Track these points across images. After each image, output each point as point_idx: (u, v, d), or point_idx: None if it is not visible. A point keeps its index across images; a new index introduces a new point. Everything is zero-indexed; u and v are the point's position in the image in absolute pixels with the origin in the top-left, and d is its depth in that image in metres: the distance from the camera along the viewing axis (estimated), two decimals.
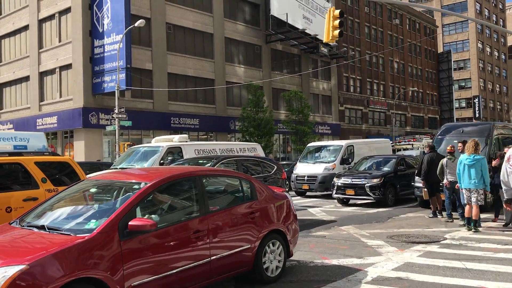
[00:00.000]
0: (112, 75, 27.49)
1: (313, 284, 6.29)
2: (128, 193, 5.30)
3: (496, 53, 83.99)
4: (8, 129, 31.97)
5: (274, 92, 41.09)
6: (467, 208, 10.20)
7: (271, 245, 6.44)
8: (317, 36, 42.74)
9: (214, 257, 5.59)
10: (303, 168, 19.48)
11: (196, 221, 5.52)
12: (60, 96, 30.41)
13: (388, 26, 58.53)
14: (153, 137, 31.36)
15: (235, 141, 34.02)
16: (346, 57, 49.49)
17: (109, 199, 5.50)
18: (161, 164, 13.96)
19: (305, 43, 43.09)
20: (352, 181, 15.60)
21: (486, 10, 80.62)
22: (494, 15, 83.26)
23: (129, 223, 4.78)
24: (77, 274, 4.28)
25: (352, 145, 20.24)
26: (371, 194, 15.21)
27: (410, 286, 6.02)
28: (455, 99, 72.85)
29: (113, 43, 27.68)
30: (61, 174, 8.15)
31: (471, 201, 10.06)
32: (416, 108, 63.91)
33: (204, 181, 5.92)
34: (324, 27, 13.38)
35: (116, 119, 24.86)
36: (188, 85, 33.74)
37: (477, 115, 73.67)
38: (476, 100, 74.86)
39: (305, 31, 41.13)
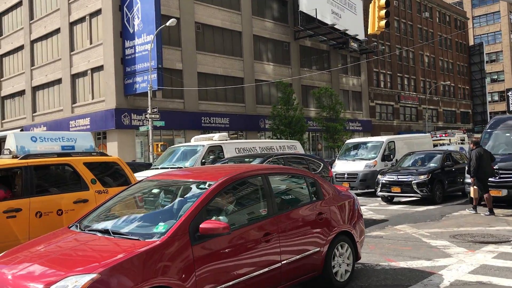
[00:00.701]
0: (143, 75, 27.44)
1: None
2: (195, 193, 4.94)
3: None
4: (42, 131, 32.36)
5: (303, 89, 40.55)
6: None
7: (339, 247, 6.00)
8: (346, 31, 42.05)
9: (284, 261, 5.18)
10: (342, 166, 18.91)
11: (266, 222, 5.12)
12: (93, 98, 30.56)
13: (417, 20, 57.22)
14: (184, 137, 31.41)
15: (265, 139, 33.65)
16: (376, 52, 48.55)
17: (173, 200, 5.14)
18: (202, 163, 13.68)
19: (334, 38, 42.39)
20: (398, 178, 14.99)
21: None
22: None
23: (201, 226, 4.41)
24: (150, 283, 3.93)
25: (393, 141, 19.56)
26: (418, 191, 14.57)
27: None
28: (488, 93, 70.81)
29: (144, 43, 27.63)
30: (110, 174, 7.87)
31: None
32: (448, 102, 62.37)
33: (270, 179, 5.52)
34: (369, 18, 12.85)
35: (149, 120, 24.76)
36: (217, 84, 33.53)
37: (510, 109, 71.44)
38: (510, 93, 72.59)
39: (334, 26, 40.45)
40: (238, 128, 34.77)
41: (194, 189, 5.09)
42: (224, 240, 4.60)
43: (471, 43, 72.98)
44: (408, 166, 16.35)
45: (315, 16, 38.05)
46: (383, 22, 12.59)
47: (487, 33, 76.67)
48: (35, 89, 36.08)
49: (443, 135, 40.19)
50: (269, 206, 5.28)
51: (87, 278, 3.71)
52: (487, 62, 72.14)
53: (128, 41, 28.61)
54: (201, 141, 15.57)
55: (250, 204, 5.38)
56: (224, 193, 5.01)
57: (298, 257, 5.37)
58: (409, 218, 11.59)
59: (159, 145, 24.96)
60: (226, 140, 15.48)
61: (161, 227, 4.47)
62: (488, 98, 71.12)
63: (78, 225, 5.10)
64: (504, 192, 12.94)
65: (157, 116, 25.11)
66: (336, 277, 5.88)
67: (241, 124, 34.88)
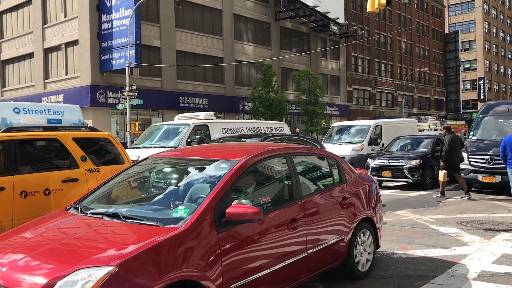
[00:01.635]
0: (120, 51, 26.32)
1: (413, 280, 5.41)
2: (216, 173, 4.34)
3: (502, 35, 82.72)
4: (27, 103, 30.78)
5: (283, 71, 39.98)
6: None
7: (362, 235, 5.53)
8: (327, 14, 41.51)
9: (310, 250, 4.67)
10: (328, 149, 18.51)
11: (292, 207, 4.58)
12: (66, 74, 29.20)
13: (396, 5, 57.12)
14: (162, 117, 30.48)
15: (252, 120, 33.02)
16: (355, 37, 48.26)
17: (188, 180, 4.51)
18: (188, 143, 12.97)
19: (315, 21, 41.82)
20: (389, 163, 14.69)
21: None
22: None
23: (228, 210, 3.82)
24: (174, 276, 3.35)
25: (380, 125, 19.29)
26: (409, 176, 14.33)
27: None
28: (461, 81, 71.79)
29: (121, 18, 26.43)
30: (101, 152, 7.16)
31: None
32: (422, 89, 62.93)
33: (294, 159, 4.96)
34: None
35: (127, 98, 23.78)
36: (196, 63, 32.62)
37: (481, 97, 72.70)
38: (481, 82, 73.76)
39: (316, 8, 39.83)
40: (217, 109, 33.89)
41: (214, 169, 4.48)
42: (251, 227, 4.04)
43: (447, 31, 73.62)
44: (397, 151, 16.10)
45: None
46: (383, 0, 12.12)
47: (462, 22, 77.41)
48: (4, 63, 34.30)
49: (417, 121, 40.37)
50: (294, 189, 4.74)
51: (102, 271, 3.08)
52: (461, 50, 72.97)
53: (105, 15, 27.32)
54: (186, 120, 14.79)
55: (274, 187, 4.82)
56: (248, 173, 4.43)
57: (323, 245, 4.86)
58: (406, 204, 11.27)
59: (136, 124, 24.07)
60: (213, 119, 14.79)
61: (181, 211, 3.87)
62: (461, 86, 72.13)
63: (78, 207, 4.42)
64: (498, 179, 12.78)
65: (135, 94, 24.15)
66: (358, 267, 5.43)
67: (220, 105, 34.12)
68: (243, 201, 4.26)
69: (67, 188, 6.44)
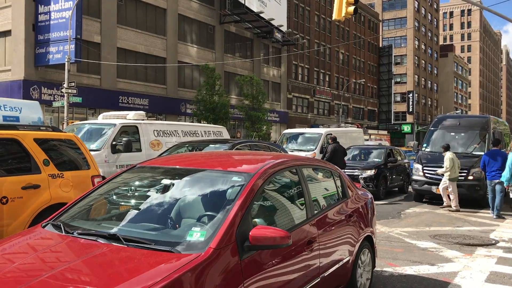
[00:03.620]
0: (58, 45, 24.65)
1: None
2: (228, 188, 3.77)
3: (429, 51, 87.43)
4: None
5: (226, 75, 39.51)
6: None
7: (362, 255, 5.17)
8: (272, 21, 41.62)
9: (322, 275, 4.22)
10: None
11: (307, 227, 4.11)
12: None
13: None
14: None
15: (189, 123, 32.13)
16: (296, 45, 48.80)
17: (194, 195, 3.89)
18: (113, 146, 11.13)
19: (259, 27, 41.77)
20: (344, 172, 14.63)
21: (423, 8, 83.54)
22: (429, 14, 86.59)
23: (251, 233, 3.26)
24: None
25: (331, 134, 19.29)
26: (364, 186, 14.34)
27: None
28: (393, 93, 74.89)
29: (61, 10, 24.78)
30: (65, 155, 6.29)
31: None
32: (357, 99, 64.89)
33: (305, 173, 4.50)
34: (335, 2, 12.13)
35: (65, 95, 22.23)
36: (138, 62, 31.34)
37: (410, 110, 76.30)
38: (410, 95, 77.38)
39: (261, 14, 39.78)
40: (158, 110, 32.85)
41: (223, 182, 3.90)
42: (274, 252, 3.52)
43: (381, 44, 76.60)
44: (349, 160, 16.12)
45: (242, 1, 37.07)
46: (351, 8, 12.01)
47: (394, 37, 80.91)
48: None
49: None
50: (307, 206, 4.28)
51: None
52: (394, 64, 76.15)
53: (43, 6, 25.47)
54: (112, 119, 12.76)
55: (288, 204, 4.31)
56: (264, 189, 3.90)
57: (333, 269, 4.43)
58: None
59: (74, 123, 22.52)
60: (143, 120, 12.92)
61: (197, 234, 3.26)
62: (393, 98, 75.22)
63: (60, 224, 3.65)
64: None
65: (74, 91, 22.63)
66: None
67: (161, 106, 33.02)
68: (257, 220, 3.73)
69: (27, 196, 5.55)
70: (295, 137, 19.48)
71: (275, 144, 12.54)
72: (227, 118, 33.51)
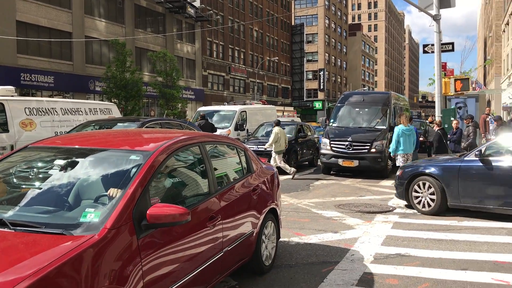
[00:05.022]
0: None
1: (318, 267, 5.40)
2: (125, 167, 3.66)
3: (339, 30, 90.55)
4: None
5: (138, 51, 38.23)
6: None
7: (267, 227, 5.32)
8: None
9: (226, 249, 4.29)
10: None
11: (210, 203, 4.14)
12: None
13: None
14: None
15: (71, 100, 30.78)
16: (210, 21, 48.25)
17: (89, 175, 3.73)
18: None
19: (171, 1, 40.71)
20: (258, 148, 14.89)
21: None
22: None
23: (149, 212, 3.22)
24: None
25: (245, 111, 19.49)
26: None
27: (423, 263, 5.48)
28: (305, 71, 76.89)
29: None
30: None
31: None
32: (271, 77, 65.87)
33: (208, 149, 4.50)
34: None
35: None
36: (41, 37, 29.33)
37: (321, 87, 78.93)
38: (322, 73, 79.93)
39: None
40: (64, 88, 31.13)
41: (120, 161, 3.80)
42: (173, 229, 3.50)
43: (293, 23, 77.99)
44: (262, 136, 16.43)
45: None
46: None
47: (306, 16, 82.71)
48: None
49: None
50: (210, 182, 4.29)
51: None
52: (305, 42, 77.99)
53: None
54: None
55: (190, 181, 4.29)
56: (165, 166, 3.84)
57: (237, 242, 4.52)
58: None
59: None
60: (13, 95, 11.59)
61: (91, 215, 3.14)
62: (305, 76, 77.29)
63: None
64: (355, 163, 13.86)
65: None
66: (265, 260, 5.21)
67: (68, 84, 31.29)
68: (159, 198, 3.68)
69: None
70: (210, 114, 19.39)
71: (189, 123, 12.37)
72: (140, 96, 32.52)
